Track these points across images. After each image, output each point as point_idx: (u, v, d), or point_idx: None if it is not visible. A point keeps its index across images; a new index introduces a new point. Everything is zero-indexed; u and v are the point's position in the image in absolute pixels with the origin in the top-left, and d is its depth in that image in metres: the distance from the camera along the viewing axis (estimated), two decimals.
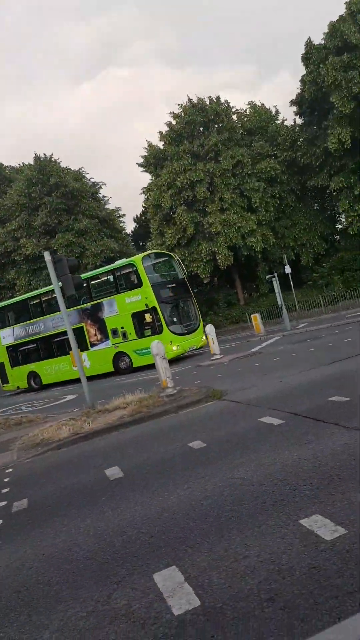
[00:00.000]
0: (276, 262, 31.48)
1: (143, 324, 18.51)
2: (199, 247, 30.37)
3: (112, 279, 19.76)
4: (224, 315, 32.77)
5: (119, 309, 18.96)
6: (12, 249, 32.70)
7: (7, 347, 22.91)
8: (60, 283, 10.43)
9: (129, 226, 51.03)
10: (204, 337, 18.33)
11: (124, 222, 38.14)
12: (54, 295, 17.47)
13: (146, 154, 32.93)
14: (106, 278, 20.32)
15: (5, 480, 6.74)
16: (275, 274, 23.33)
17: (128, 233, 42.24)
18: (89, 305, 19.96)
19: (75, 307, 19.90)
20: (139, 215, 50.63)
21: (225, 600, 2.72)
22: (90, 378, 16.85)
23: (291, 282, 26.85)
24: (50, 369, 21.40)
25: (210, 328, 16.40)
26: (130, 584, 3.15)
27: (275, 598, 2.63)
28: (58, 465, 6.93)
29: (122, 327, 18.90)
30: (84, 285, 18.92)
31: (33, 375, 22.15)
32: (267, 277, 25.01)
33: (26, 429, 10.46)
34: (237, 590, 2.79)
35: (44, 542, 4.19)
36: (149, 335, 17.91)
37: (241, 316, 31.42)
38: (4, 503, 5.64)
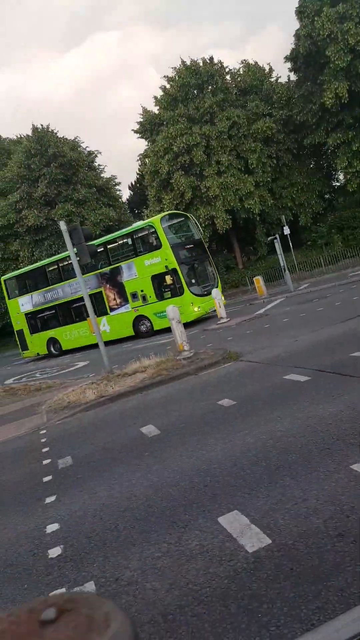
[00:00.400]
0: (274, 223, 31.27)
1: (163, 286, 18.37)
2: (197, 212, 30.04)
3: (130, 242, 19.56)
4: (223, 280, 32.66)
5: (138, 272, 18.79)
6: (15, 220, 32.64)
7: (26, 314, 22.82)
8: (75, 251, 10.44)
9: (124, 194, 50.29)
10: (222, 297, 18.26)
11: (119, 190, 37.89)
12: (70, 261, 17.63)
13: (141, 119, 32.22)
14: (124, 241, 20.12)
15: (42, 440, 6.98)
16: (277, 235, 23.26)
17: (123, 201, 41.70)
18: (107, 269, 19.78)
19: (93, 272, 19.74)
20: (133, 183, 49.85)
21: (295, 538, 2.95)
22: (110, 342, 16.97)
23: (290, 243, 26.77)
24: (70, 335, 21.37)
25: (216, 292, 16.53)
26: (197, 527, 3.37)
27: (345, 534, 2.85)
28: (91, 425, 7.16)
29: (142, 290, 18.78)
30: (101, 250, 18.78)
31: (53, 342, 22.14)
32: (269, 238, 24.95)
33: (47, 394, 10.69)
34: (304, 529, 3.01)
35: (100, 493, 4.42)
36: (169, 298, 17.83)
37: (241, 280, 31.48)
38: (48, 461, 5.87)
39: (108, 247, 19.99)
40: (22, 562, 3.59)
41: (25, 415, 9.16)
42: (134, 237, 19.30)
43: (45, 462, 5.88)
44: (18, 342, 23.81)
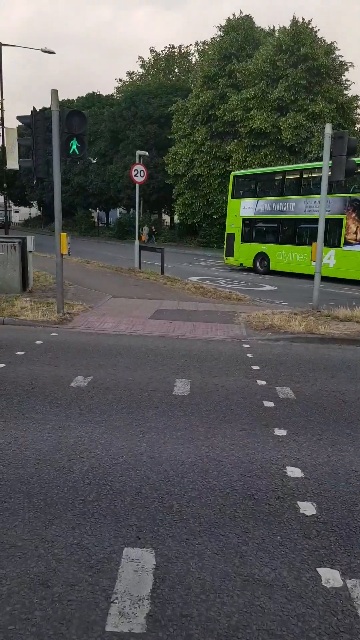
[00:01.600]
0: None
1: None
2: None
3: None
4: None
5: None
6: (240, 119, 30.80)
7: (244, 220, 20.95)
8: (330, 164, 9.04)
9: None
10: None
11: (359, 114, 32.96)
12: (317, 175, 15.11)
13: None
14: None
15: (249, 355, 6.38)
16: None
17: (356, 129, 36.87)
18: None
19: (340, 194, 16.86)
20: None
21: None
22: (328, 279, 15.15)
23: None
24: (285, 256, 19.18)
25: None
26: None
27: None
28: (305, 361, 6.26)
29: None
30: None
31: (261, 257, 20.11)
32: None
33: (238, 306, 10.18)
34: None
35: (348, 456, 3.58)
36: None
37: None
38: (263, 382, 5.23)
39: None
40: (264, 500, 2.98)
41: (221, 321, 8.71)
42: None
43: (260, 382, 5.23)
44: (225, 246, 21.99)
